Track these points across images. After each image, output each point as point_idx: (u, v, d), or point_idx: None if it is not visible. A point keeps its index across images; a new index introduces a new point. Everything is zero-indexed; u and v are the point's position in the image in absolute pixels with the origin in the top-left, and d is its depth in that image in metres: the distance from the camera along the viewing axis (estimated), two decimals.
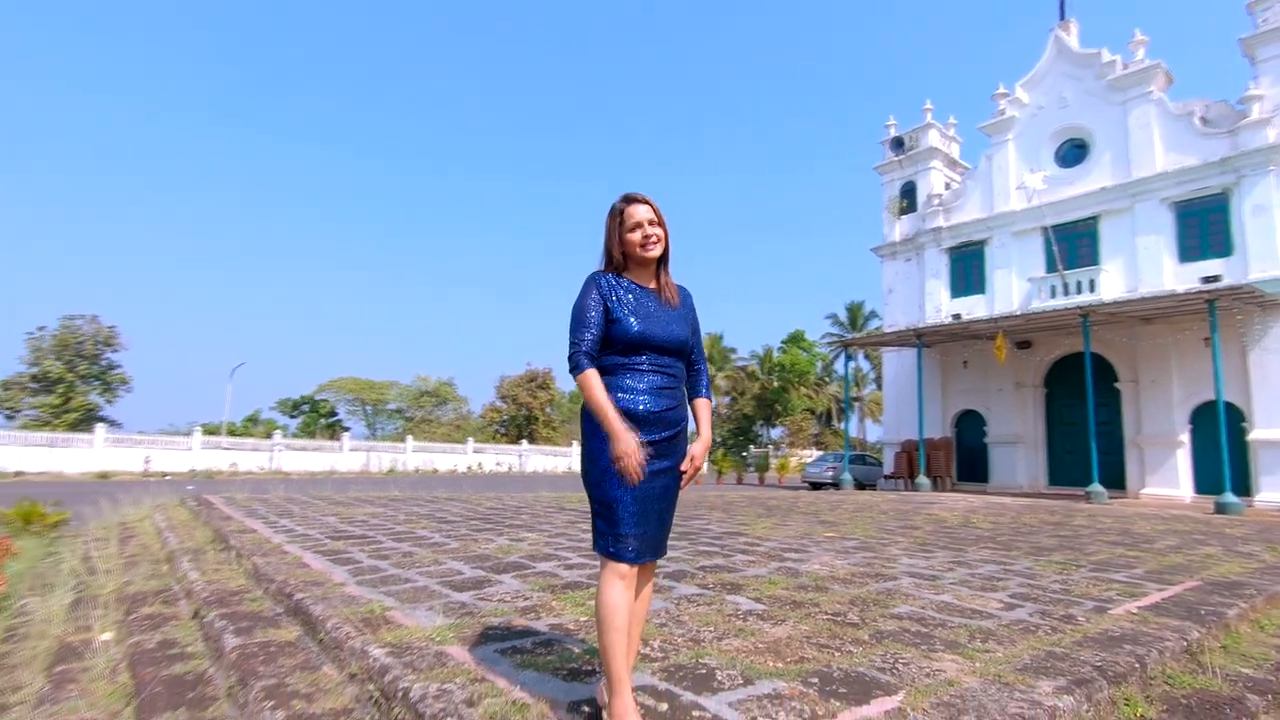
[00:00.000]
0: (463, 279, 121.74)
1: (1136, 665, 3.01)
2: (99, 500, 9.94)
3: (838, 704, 2.30)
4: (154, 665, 3.42)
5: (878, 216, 24.62)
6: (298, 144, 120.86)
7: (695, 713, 2.18)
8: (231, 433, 42.21)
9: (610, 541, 1.98)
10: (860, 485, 22.02)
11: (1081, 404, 16.55)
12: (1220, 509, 12.51)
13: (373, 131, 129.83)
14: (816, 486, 23.29)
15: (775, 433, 63.29)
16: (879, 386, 49.97)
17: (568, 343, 2.04)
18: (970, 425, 21.02)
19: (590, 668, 2.58)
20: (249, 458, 33.26)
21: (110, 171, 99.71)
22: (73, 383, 39.31)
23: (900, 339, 20.07)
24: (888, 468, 22.10)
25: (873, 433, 56.86)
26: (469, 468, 40.20)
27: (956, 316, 20.76)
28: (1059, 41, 20.34)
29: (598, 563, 4.87)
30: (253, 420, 55.14)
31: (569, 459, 46.22)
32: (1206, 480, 15.78)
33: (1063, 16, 20.61)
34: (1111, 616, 3.80)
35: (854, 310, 56.47)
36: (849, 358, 24.12)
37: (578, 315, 2.06)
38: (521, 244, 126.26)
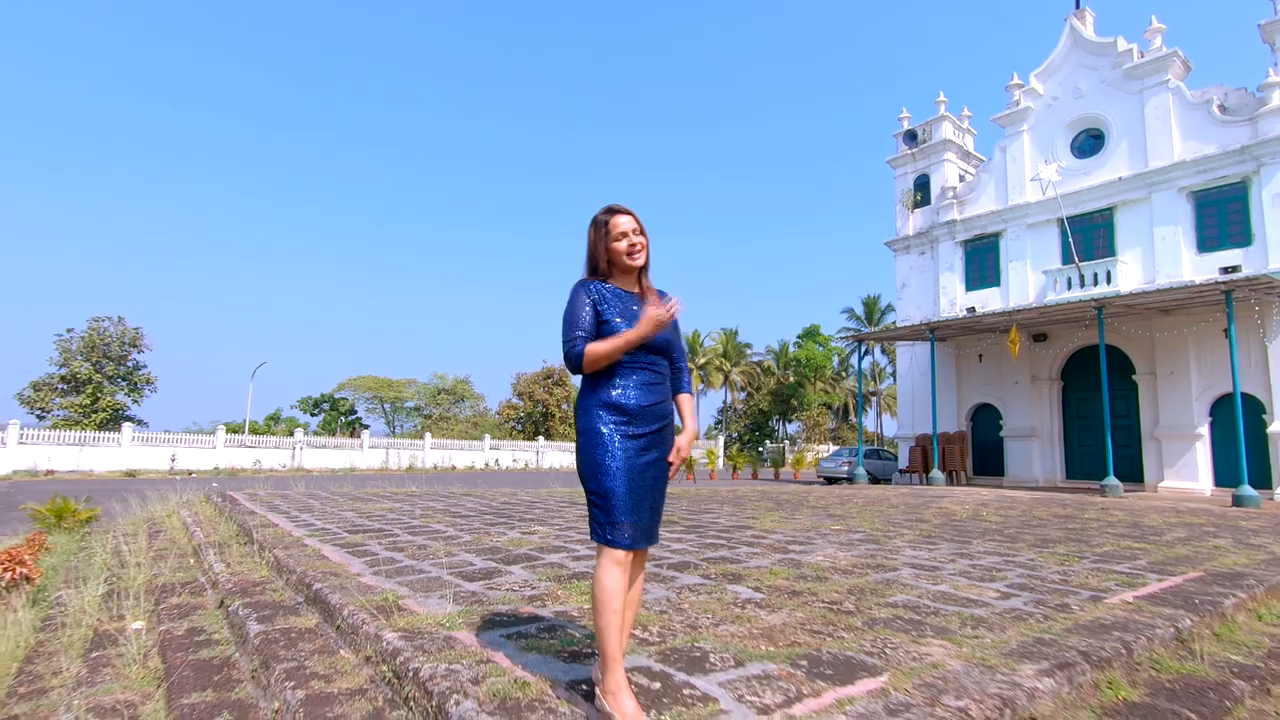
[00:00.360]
0: (479, 277, 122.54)
1: (1123, 651, 3.10)
2: (127, 497, 10.27)
3: (823, 684, 2.42)
4: (183, 651, 3.62)
5: (891, 210, 24.51)
6: (318, 144, 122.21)
7: (686, 691, 2.32)
8: (254, 431, 42.95)
9: (608, 530, 2.11)
10: (875, 480, 22.01)
11: (1098, 397, 16.43)
12: (1238, 502, 12.40)
13: (385, 130, 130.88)
14: (831, 481, 23.31)
15: (792, 428, 63.22)
16: (896, 381, 49.63)
17: (562, 344, 2.18)
18: (986, 419, 20.91)
19: (590, 650, 2.72)
20: (271, 455, 33.87)
21: (131, 172, 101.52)
22: (100, 383, 40.18)
23: (913, 333, 20.00)
24: (903, 462, 22.06)
25: (890, 427, 56.58)
26: (486, 464, 40.60)
27: (971, 310, 20.64)
28: (1074, 31, 20.11)
29: None
30: (274, 419, 56.04)
31: None
32: (1227, 473, 15.60)
33: (1078, 5, 20.37)
34: (1106, 605, 3.87)
35: (870, 304, 56.16)
36: (866, 352, 24.05)
37: (570, 318, 2.19)
38: (538, 242, 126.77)
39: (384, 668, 2.70)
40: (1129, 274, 18.04)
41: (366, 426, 51.43)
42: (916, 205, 23.59)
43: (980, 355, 20.57)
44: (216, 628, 4.03)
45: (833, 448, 46.31)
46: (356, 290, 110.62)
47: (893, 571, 4.64)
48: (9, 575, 5.69)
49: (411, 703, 2.40)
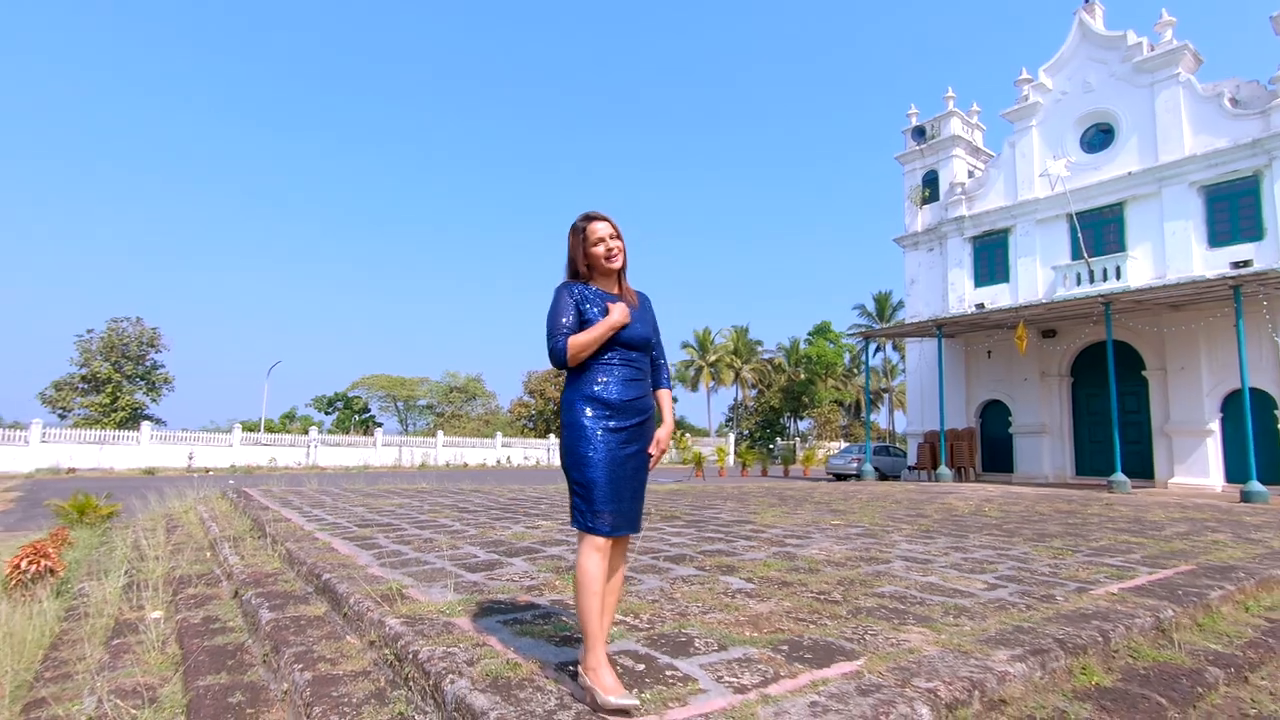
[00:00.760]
0: (490, 276, 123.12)
1: (1099, 639, 3.19)
2: (146, 494, 10.54)
3: (800, 666, 2.54)
4: (199, 637, 3.80)
5: (900, 206, 24.46)
6: (327, 146, 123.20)
7: (668, 672, 2.45)
8: (269, 429, 43.48)
9: (588, 518, 2.24)
10: (884, 476, 22.00)
11: (1108, 393, 16.35)
12: (1246, 498, 12.34)
13: (391, 131, 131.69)
14: (841, 478, 23.31)
15: (803, 425, 63.08)
16: (906, 377, 49.37)
17: (546, 342, 2.31)
18: (995, 415, 20.86)
19: (580, 635, 2.86)
20: (286, 453, 34.33)
21: (146, 174, 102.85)
22: (120, 383, 40.86)
23: (920, 330, 19.98)
24: (911, 459, 22.04)
25: (903, 424, 56.31)
26: (498, 461, 40.91)
27: (980, 306, 20.58)
28: (1083, 25, 19.98)
29: None
30: (290, 417, 56.67)
31: None
32: (1238, 469, 15.50)
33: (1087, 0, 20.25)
34: (1091, 596, 3.96)
35: (881, 300, 55.92)
36: (877, 349, 23.98)
37: (554, 316, 2.32)
38: (546, 241, 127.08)
39: (386, 651, 2.85)
40: (1139, 269, 17.93)
41: (380, 425, 51.98)
42: (925, 201, 23.53)
43: (989, 351, 20.52)
44: (231, 616, 4.21)
45: (844, 445, 46.19)
46: (369, 290, 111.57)
47: (885, 564, 4.75)
48: (34, 568, 5.92)
49: (410, 682, 2.55)
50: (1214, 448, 16.33)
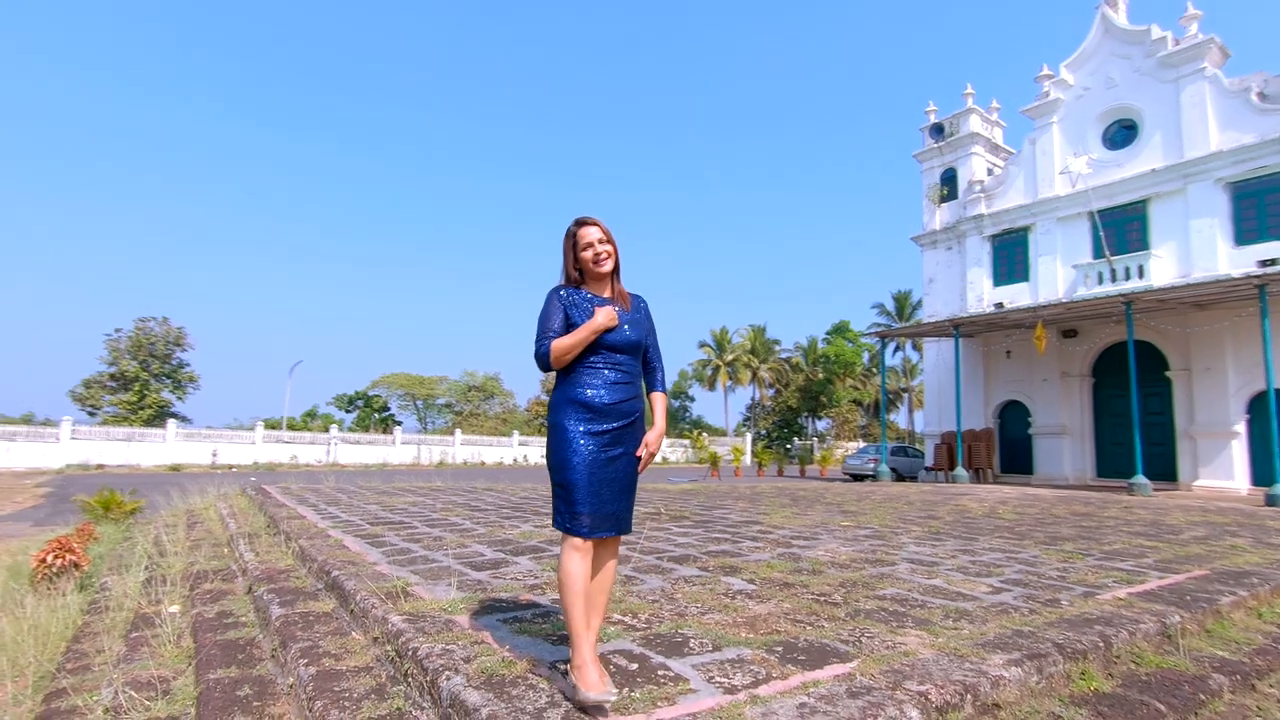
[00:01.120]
0: (508, 276, 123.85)
1: (1100, 644, 3.17)
2: (169, 490, 10.79)
3: (792, 668, 2.56)
4: (212, 632, 3.91)
5: (918, 205, 24.23)
6: (344, 149, 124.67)
7: (660, 671, 2.49)
8: (291, 427, 44.16)
9: (567, 519, 2.29)
10: (900, 477, 21.83)
11: (1130, 393, 16.08)
12: (1271, 501, 12.07)
13: (414, 134, 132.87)
14: (857, 478, 23.17)
15: (821, 425, 62.72)
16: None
17: (534, 346, 2.36)
18: (1014, 416, 20.59)
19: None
20: (308, 451, 34.84)
21: (170, 176, 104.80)
22: (147, 381, 41.76)
23: (937, 329, 19.79)
24: (928, 460, 21.84)
25: (922, 424, 55.73)
26: (515, 460, 41.18)
27: (999, 305, 20.32)
28: (1106, 19, 19.63)
29: None
30: (311, 415, 57.45)
31: None
32: (1264, 472, 15.16)
33: None
34: (1097, 601, 3.93)
35: (901, 299, 55.42)
36: (896, 348, 23.78)
37: (542, 322, 2.38)
38: (556, 230, 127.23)
39: (388, 647, 2.92)
40: (1163, 268, 17.60)
41: (399, 423, 52.57)
42: (943, 200, 23.28)
43: (1008, 351, 20.26)
44: (244, 611, 4.32)
45: (862, 445, 45.86)
46: (388, 289, 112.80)
47: (890, 566, 4.74)
48: (59, 562, 6.10)
49: (410, 678, 2.62)
50: (1239, 450, 16.00)
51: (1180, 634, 3.57)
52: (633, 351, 2.44)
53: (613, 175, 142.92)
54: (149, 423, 37.17)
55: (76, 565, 6.19)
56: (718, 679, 2.42)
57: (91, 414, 40.15)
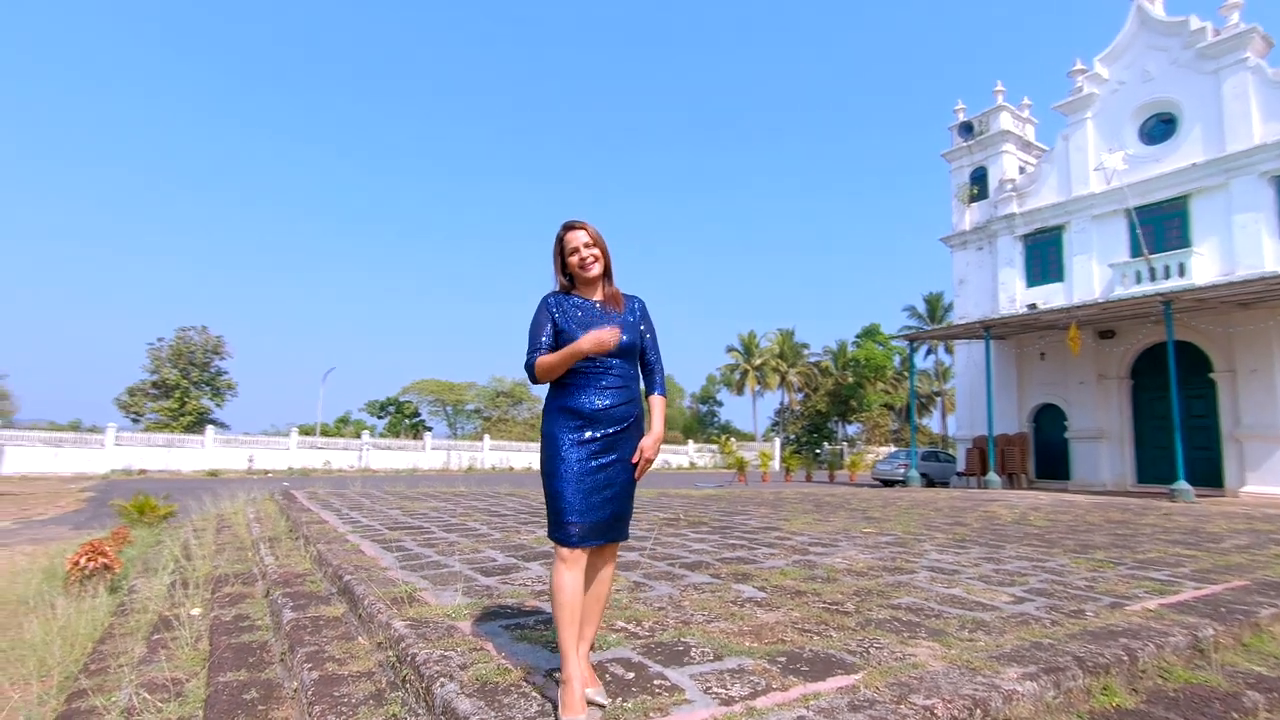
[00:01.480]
0: (534, 284, 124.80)
1: (1125, 658, 3.04)
2: (205, 495, 11.05)
3: (794, 679, 2.49)
4: (227, 635, 3.96)
5: (947, 205, 23.80)
6: (376, 161, 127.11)
7: (657, 681, 2.44)
8: (325, 433, 45.03)
9: (555, 528, 2.25)
10: (931, 483, 21.40)
11: (1172, 396, 15.54)
12: None
13: (442, 143, 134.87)
14: (888, 484, 22.78)
15: (851, 429, 61.85)
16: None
17: (524, 357, 2.34)
18: (1050, 420, 20.04)
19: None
20: (340, 456, 35.47)
21: (205, 190, 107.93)
22: (187, 388, 42.98)
23: (967, 331, 19.38)
24: (960, 465, 21.36)
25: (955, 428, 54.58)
26: None
27: (1032, 306, 19.82)
28: (1141, 11, 19.08)
29: (622, 552, 5.18)
30: (344, 421, 58.52)
31: None
32: None
33: None
34: (1124, 613, 3.77)
35: (932, 302, 54.47)
36: (928, 351, 23.34)
37: (531, 332, 2.35)
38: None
39: (390, 653, 2.92)
40: (1205, 266, 16.99)
41: (429, 429, 53.17)
42: (973, 199, 22.82)
43: (1042, 354, 19.74)
44: (260, 615, 4.38)
45: (893, 449, 45.11)
46: (418, 297, 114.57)
47: (909, 574, 4.62)
48: (92, 565, 6.26)
49: (407, 684, 2.61)
50: None
51: (1213, 648, 3.40)
52: (625, 355, 2.38)
53: (639, 181, 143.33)
54: (189, 429, 38.20)
55: (108, 568, 6.35)
56: (715, 689, 2.36)
57: (135, 420, 41.45)
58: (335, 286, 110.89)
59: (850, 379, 57.74)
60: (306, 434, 38.74)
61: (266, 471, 30.92)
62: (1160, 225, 17.94)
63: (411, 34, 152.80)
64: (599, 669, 2.53)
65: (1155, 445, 17.99)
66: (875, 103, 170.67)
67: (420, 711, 2.43)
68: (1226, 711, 2.80)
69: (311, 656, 3.08)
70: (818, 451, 52.87)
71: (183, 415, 41.57)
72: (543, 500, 9.78)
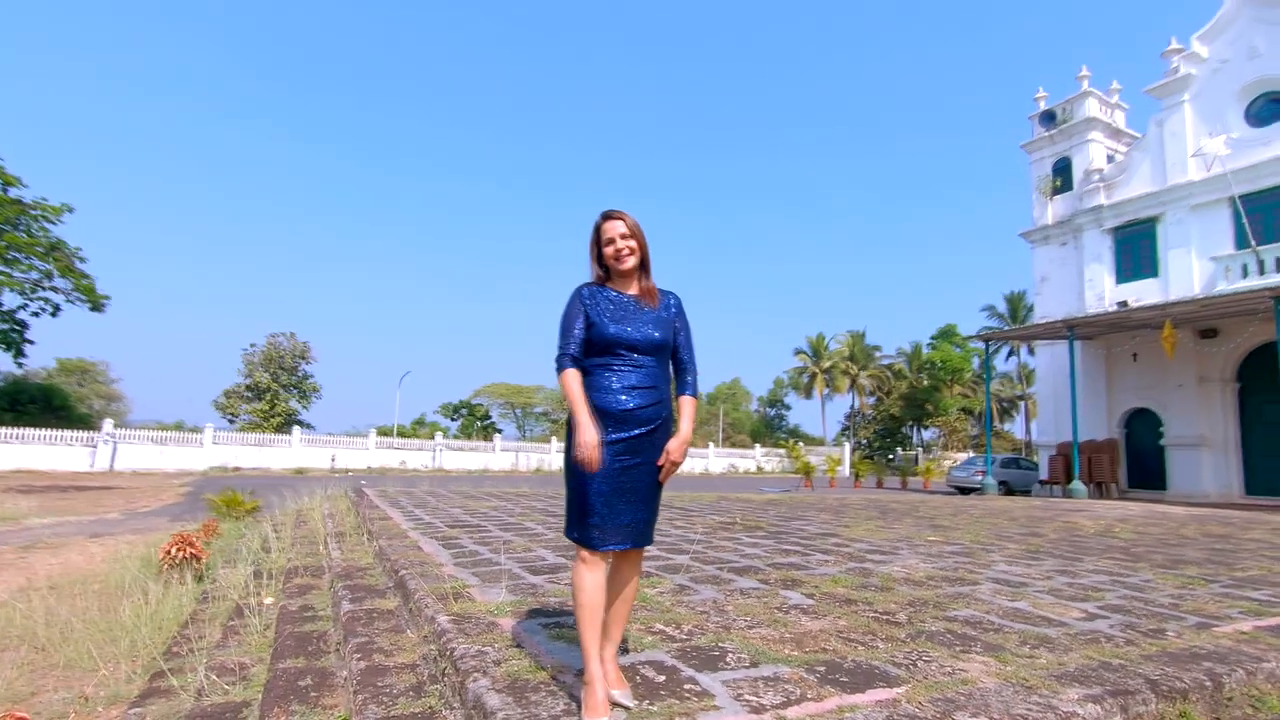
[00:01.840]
0: None
1: (1208, 683, 2.79)
2: (290, 491, 11.67)
3: (830, 690, 2.41)
4: (291, 624, 4.16)
5: (1028, 199, 22.61)
6: (454, 173, 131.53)
7: (687, 685, 2.40)
8: (401, 434, 46.89)
9: (576, 529, 2.22)
10: (1011, 491, 20.31)
11: None
12: None
13: (512, 152, 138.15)
14: (964, 491, 21.79)
15: (928, 434, 59.64)
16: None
17: (556, 350, 2.32)
18: (1143, 426, 18.70)
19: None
20: (415, 456, 36.83)
21: (293, 206, 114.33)
22: (277, 391, 45.71)
23: (1049, 331, 18.32)
24: (1043, 472, 20.21)
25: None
26: None
27: (1123, 304, 18.57)
28: None
29: (671, 556, 5.15)
30: (420, 423, 60.79)
31: (706, 460, 46.52)
32: None
33: None
34: (1212, 634, 3.47)
35: (1014, 301, 51.85)
36: (1010, 353, 22.26)
37: (562, 324, 2.31)
38: (658, 247, 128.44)
39: (432, 646, 3.00)
40: None
41: (500, 430, 54.59)
42: (1056, 192, 21.59)
43: (1135, 355, 18.46)
44: (324, 605, 4.58)
45: (970, 455, 43.12)
46: (489, 301, 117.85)
47: (971, 585, 4.39)
48: (181, 554, 6.71)
49: (445, 678, 2.67)
50: None
51: None
52: (656, 352, 2.31)
53: (704, 186, 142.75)
54: (278, 429, 40.52)
55: (195, 558, 6.78)
56: (746, 697, 2.31)
57: (231, 421, 44.38)
58: (411, 292, 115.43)
59: (925, 382, 55.69)
60: (384, 435, 40.40)
61: (347, 470, 32.42)
62: (1270, 214, 16.47)
63: (492, 55, 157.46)
64: (630, 671, 2.52)
65: (1266, 454, 16.52)
66: (954, 100, 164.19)
67: (455, 705, 2.48)
68: None
69: (361, 647, 3.20)
70: (890, 457, 51.19)
71: (273, 416, 44.21)
72: None
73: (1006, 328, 46.09)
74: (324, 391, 50.15)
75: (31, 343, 31.10)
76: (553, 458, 40.46)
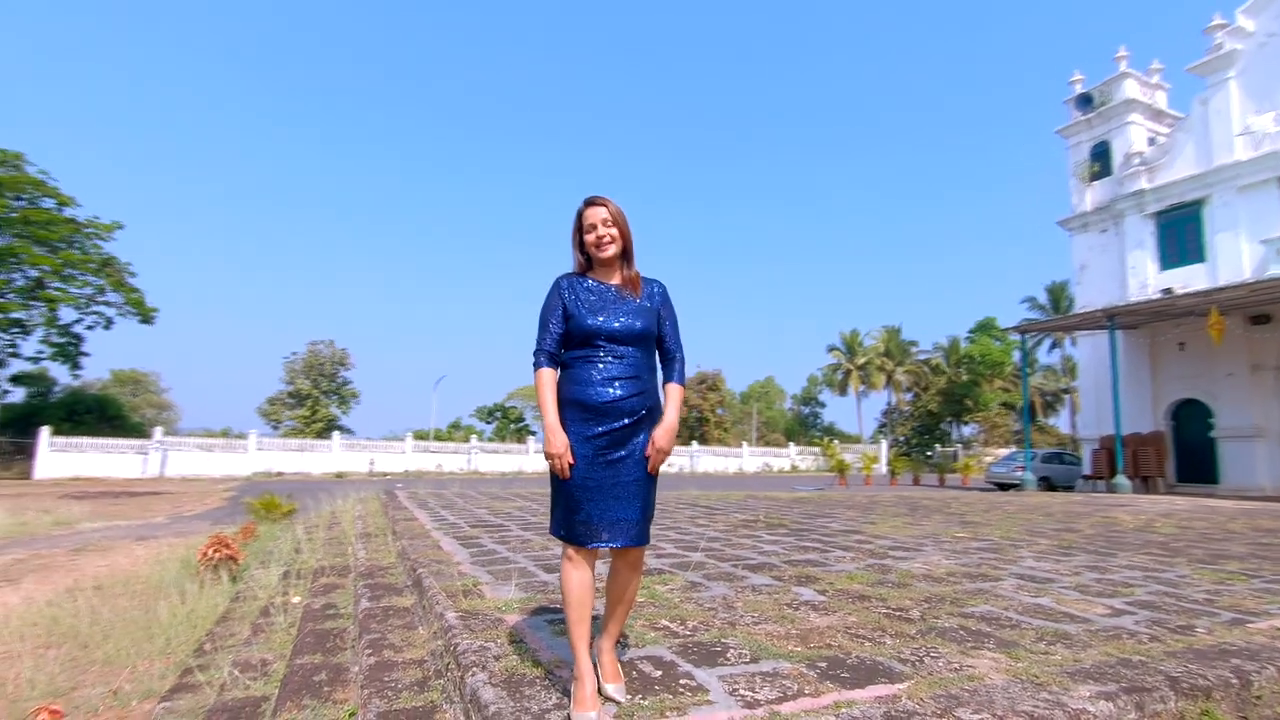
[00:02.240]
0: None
1: (1234, 681, 2.68)
2: (321, 495, 11.97)
3: (830, 685, 2.38)
4: (313, 621, 4.27)
5: (1064, 186, 21.95)
6: (487, 179, 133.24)
7: (683, 680, 2.40)
8: (437, 438, 47.64)
9: (558, 525, 2.22)
10: (1052, 486, 19.73)
11: None
12: None
13: (550, 156, 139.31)
14: (1004, 487, 21.25)
15: (967, 430, 58.28)
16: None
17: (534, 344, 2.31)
18: (1192, 417, 17.98)
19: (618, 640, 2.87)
20: (451, 459, 37.39)
21: (324, 210, 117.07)
22: (317, 397, 46.88)
23: (1087, 321, 17.74)
24: (1086, 467, 19.58)
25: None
26: None
27: (1168, 291, 17.89)
28: None
29: (687, 554, 5.14)
30: (455, 426, 61.68)
31: (739, 459, 46.23)
32: None
33: None
34: (1245, 630, 3.33)
35: (1056, 291, 50.43)
36: (1053, 345, 21.66)
37: (541, 317, 2.29)
38: (690, 249, 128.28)
39: (439, 642, 3.05)
40: None
41: (533, 433, 55.00)
42: (1095, 177, 20.91)
43: (1181, 344, 17.76)
44: (346, 604, 4.68)
45: (1011, 451, 42.02)
46: (522, 303, 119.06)
47: (993, 581, 4.29)
48: (217, 555, 6.93)
49: (448, 673, 2.71)
50: None
51: None
52: (639, 343, 2.26)
53: (737, 187, 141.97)
54: (319, 435, 41.54)
55: (231, 559, 7.00)
56: (741, 692, 2.30)
57: (275, 427, 45.65)
58: (445, 296, 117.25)
59: (964, 377, 54.45)
60: (421, 439, 41.09)
61: (385, 473, 33.07)
62: None
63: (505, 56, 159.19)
64: (628, 666, 2.53)
65: None
66: (986, 93, 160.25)
67: (456, 699, 2.51)
68: None
69: (373, 643, 3.27)
70: (929, 454, 50.17)
71: (314, 422, 45.35)
72: None
73: (1046, 320, 44.82)
74: (363, 397, 51.11)
75: (87, 355, 32.47)
76: None
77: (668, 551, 5.21)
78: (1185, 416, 18.15)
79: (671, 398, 2.37)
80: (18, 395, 32.26)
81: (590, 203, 2.32)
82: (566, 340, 2.28)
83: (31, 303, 29.87)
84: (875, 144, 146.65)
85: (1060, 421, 56.80)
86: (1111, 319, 16.70)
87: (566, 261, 2.44)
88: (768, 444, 56.29)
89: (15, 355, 31.12)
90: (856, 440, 56.91)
